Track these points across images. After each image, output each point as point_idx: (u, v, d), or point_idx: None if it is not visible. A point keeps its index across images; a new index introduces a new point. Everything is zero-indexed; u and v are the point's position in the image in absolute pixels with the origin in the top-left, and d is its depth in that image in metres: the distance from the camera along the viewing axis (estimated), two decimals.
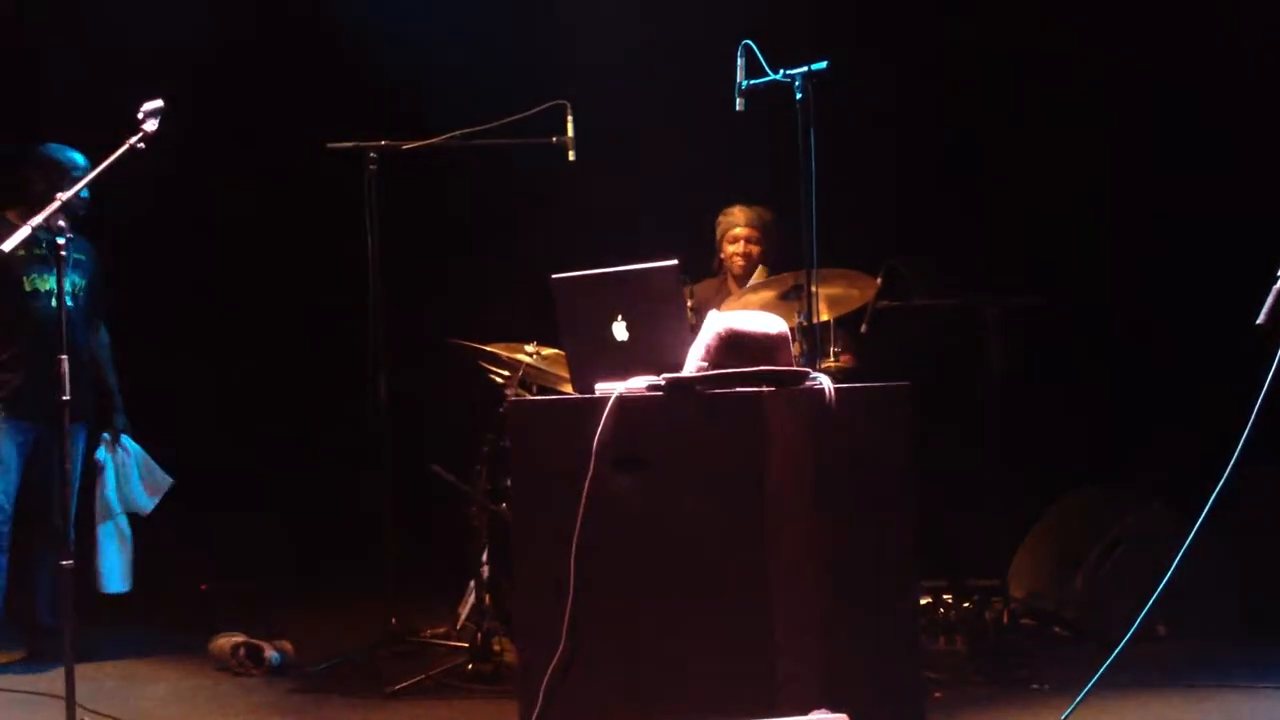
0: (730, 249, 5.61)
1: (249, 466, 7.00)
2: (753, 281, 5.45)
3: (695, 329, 3.76)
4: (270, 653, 5.30)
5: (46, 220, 4.13)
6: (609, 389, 3.66)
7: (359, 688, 5.01)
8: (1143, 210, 6.22)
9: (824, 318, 4.92)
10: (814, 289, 4.38)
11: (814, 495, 3.55)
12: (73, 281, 5.57)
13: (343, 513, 6.88)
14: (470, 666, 5.03)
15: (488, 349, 5.22)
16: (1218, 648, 5.15)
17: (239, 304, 7.20)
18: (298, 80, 6.93)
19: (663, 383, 3.61)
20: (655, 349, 3.69)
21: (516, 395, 5.01)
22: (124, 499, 5.71)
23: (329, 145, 5.49)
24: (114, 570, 5.73)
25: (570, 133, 5.31)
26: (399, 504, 5.57)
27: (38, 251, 5.42)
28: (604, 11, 6.39)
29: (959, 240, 6.24)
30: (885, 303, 5.17)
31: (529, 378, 5.19)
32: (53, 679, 4.79)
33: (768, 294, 5.04)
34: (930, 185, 6.36)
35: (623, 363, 3.71)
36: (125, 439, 5.75)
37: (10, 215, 5.32)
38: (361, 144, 5.47)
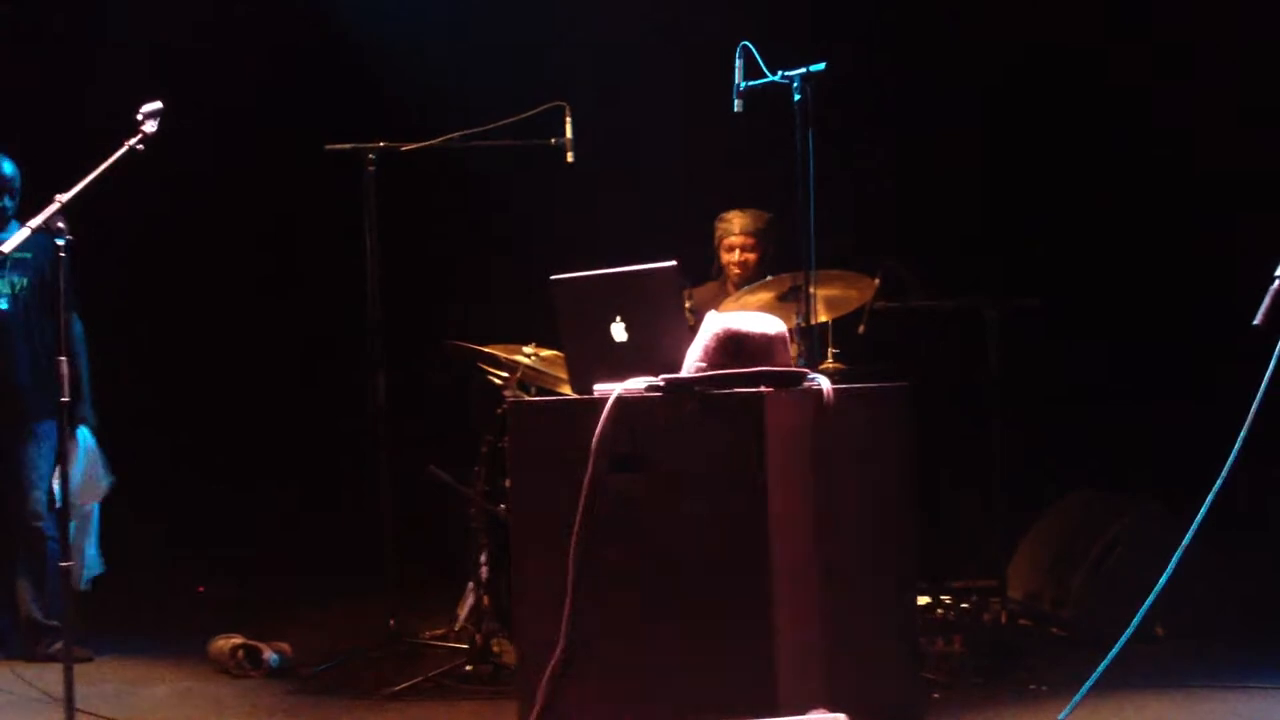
0: (726, 257, 5.61)
1: (246, 468, 7.00)
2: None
3: (694, 330, 3.77)
4: (269, 654, 5.30)
5: (45, 222, 4.13)
6: (608, 390, 3.66)
7: (358, 689, 5.01)
8: (1141, 211, 6.22)
9: (822, 319, 4.92)
10: (812, 290, 4.39)
11: (812, 495, 3.56)
12: (11, 282, 5.54)
13: (341, 514, 6.89)
14: (469, 668, 5.03)
15: (486, 350, 5.22)
16: (1216, 648, 5.15)
17: (237, 305, 7.20)
18: (297, 82, 6.94)
19: (661, 383, 3.61)
20: (654, 350, 3.70)
21: (515, 396, 5.02)
22: (84, 489, 5.56)
23: (328, 147, 5.50)
24: (92, 558, 5.66)
25: (569, 134, 5.32)
26: (397, 505, 5.57)
27: None
28: (603, 12, 6.40)
29: (957, 241, 6.25)
30: (883, 304, 5.17)
31: (528, 379, 5.19)
32: (51, 680, 4.80)
33: (766, 295, 5.04)
34: (929, 186, 6.36)
35: (621, 363, 3.72)
36: (82, 431, 5.59)
37: None
38: (360, 145, 5.47)
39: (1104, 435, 6.19)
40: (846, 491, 3.67)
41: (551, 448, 3.77)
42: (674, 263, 3.73)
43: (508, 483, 4.77)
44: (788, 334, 3.79)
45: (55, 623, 5.39)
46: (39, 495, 5.56)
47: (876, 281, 5.04)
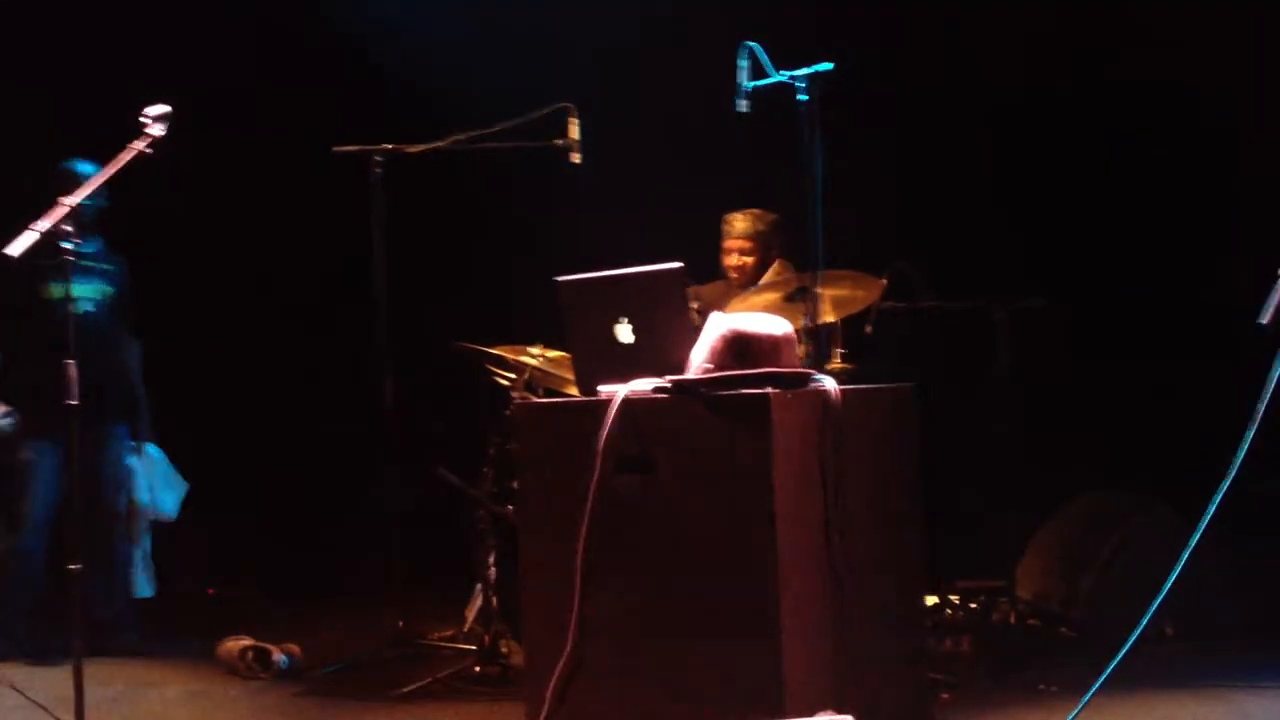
0: (725, 259, 5.61)
1: (255, 470, 7.01)
2: (766, 279, 5.44)
3: (699, 331, 3.77)
4: (278, 656, 5.31)
5: (54, 226, 4.13)
6: (614, 391, 3.66)
7: (366, 690, 5.02)
8: (1150, 209, 6.21)
9: (829, 319, 4.92)
10: (819, 290, 4.38)
11: (819, 496, 3.56)
12: (102, 290, 5.64)
13: (349, 516, 6.89)
14: (477, 669, 5.04)
15: (493, 352, 5.22)
16: (1225, 649, 5.14)
17: (245, 308, 7.21)
18: (303, 84, 6.95)
19: (668, 384, 3.61)
20: (660, 351, 3.70)
21: (522, 398, 5.02)
22: (154, 503, 5.80)
23: (334, 149, 5.50)
24: (144, 574, 5.88)
25: (575, 135, 5.32)
26: (405, 507, 5.58)
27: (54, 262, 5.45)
28: (609, 13, 6.39)
29: (965, 241, 6.24)
30: (891, 304, 5.16)
31: (534, 380, 5.19)
32: (58, 681, 4.80)
33: (772, 295, 5.03)
34: (936, 186, 6.35)
35: (628, 364, 3.71)
36: (149, 446, 5.88)
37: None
38: (366, 147, 5.48)
39: (1113, 436, 6.17)
40: (854, 492, 3.67)
41: (558, 449, 3.77)
42: (679, 264, 3.73)
43: (515, 484, 4.78)
44: (794, 335, 3.78)
45: (119, 620, 5.65)
46: (114, 497, 5.67)
47: (884, 282, 5.03)
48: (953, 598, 5.59)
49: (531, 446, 3.92)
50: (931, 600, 5.45)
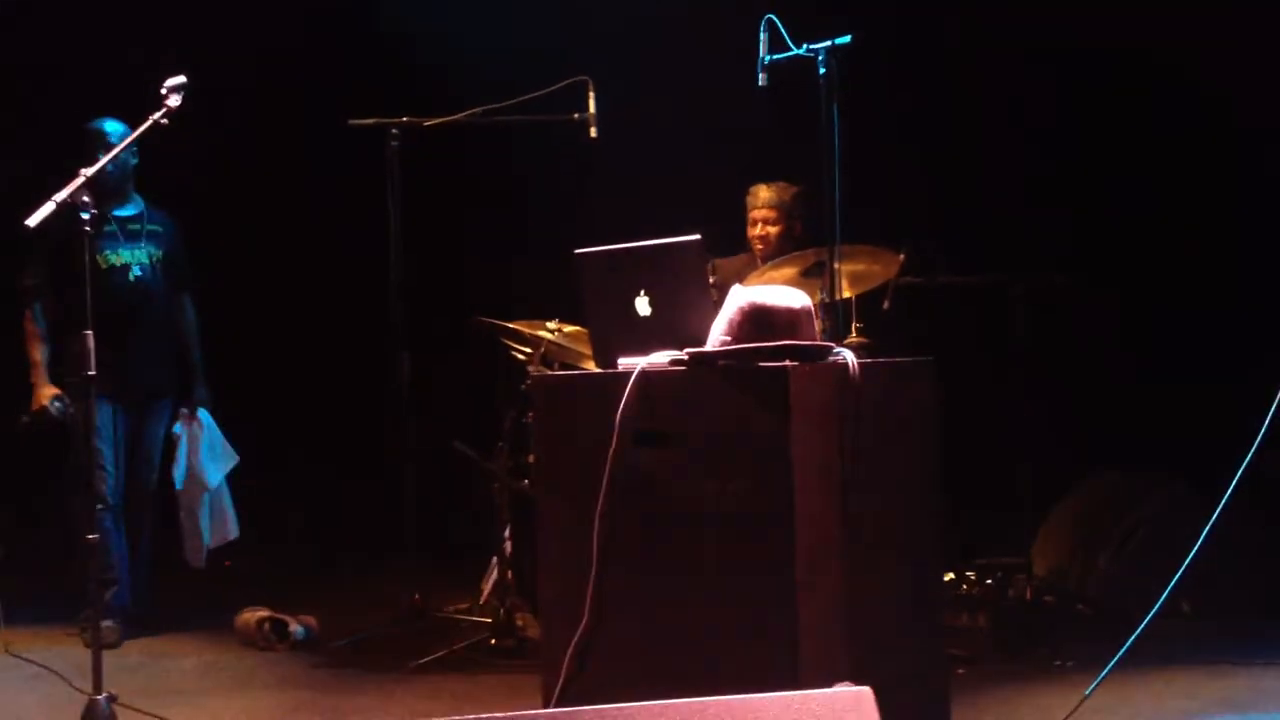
0: (750, 230, 5.59)
1: (272, 445, 7.02)
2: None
3: (718, 304, 3.75)
4: (295, 627, 5.33)
5: (71, 196, 4.13)
6: (631, 364, 3.65)
7: (382, 662, 5.04)
8: (1170, 188, 6.17)
9: (846, 294, 4.90)
10: (837, 265, 4.36)
11: (838, 469, 3.55)
12: (149, 253, 5.63)
13: (366, 489, 6.91)
14: (493, 642, 5.05)
15: (510, 326, 5.22)
16: (1242, 625, 5.14)
17: (262, 282, 7.21)
18: (320, 57, 6.93)
19: (686, 357, 3.60)
20: (678, 324, 3.68)
21: (539, 372, 5.01)
22: (192, 472, 5.75)
23: (351, 122, 5.49)
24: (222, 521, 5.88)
25: (592, 109, 5.30)
26: (422, 481, 5.58)
27: (108, 229, 5.46)
28: None
29: (985, 217, 6.21)
30: (909, 279, 5.14)
31: (551, 355, 5.19)
32: (77, 654, 4.83)
33: (790, 270, 5.01)
34: (956, 161, 6.32)
35: (645, 338, 3.70)
36: (202, 413, 5.79)
37: None
38: (383, 120, 5.47)
39: (1131, 414, 6.15)
40: (872, 466, 3.65)
41: (575, 423, 3.76)
42: (697, 236, 3.71)
43: (531, 458, 4.78)
44: (813, 308, 3.77)
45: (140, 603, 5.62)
46: (147, 473, 5.68)
47: (902, 257, 5.01)
48: (969, 573, 5.58)
49: (548, 420, 3.91)
50: (948, 575, 5.45)
